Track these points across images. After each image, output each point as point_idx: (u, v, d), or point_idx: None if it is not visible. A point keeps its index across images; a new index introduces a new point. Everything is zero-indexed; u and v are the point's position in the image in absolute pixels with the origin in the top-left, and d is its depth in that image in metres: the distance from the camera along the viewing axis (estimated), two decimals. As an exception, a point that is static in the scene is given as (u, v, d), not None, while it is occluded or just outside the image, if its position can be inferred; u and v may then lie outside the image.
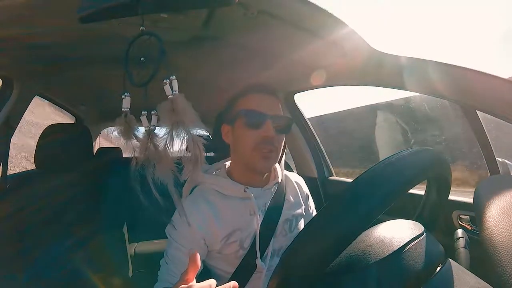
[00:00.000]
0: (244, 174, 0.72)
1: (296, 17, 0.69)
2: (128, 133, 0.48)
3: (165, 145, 0.46)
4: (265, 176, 0.75)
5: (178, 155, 0.49)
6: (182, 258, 0.65)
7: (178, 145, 0.48)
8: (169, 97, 0.45)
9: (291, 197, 0.78)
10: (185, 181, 0.53)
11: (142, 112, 0.48)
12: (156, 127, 0.48)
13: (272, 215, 0.71)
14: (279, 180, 0.77)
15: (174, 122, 0.45)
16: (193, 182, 0.73)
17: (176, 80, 0.46)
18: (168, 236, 0.70)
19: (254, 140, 0.67)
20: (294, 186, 0.83)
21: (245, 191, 0.70)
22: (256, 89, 0.72)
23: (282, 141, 0.72)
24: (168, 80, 0.46)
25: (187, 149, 0.47)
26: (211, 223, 0.68)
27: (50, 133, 1.00)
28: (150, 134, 0.47)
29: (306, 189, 0.86)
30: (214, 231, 0.68)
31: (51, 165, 0.97)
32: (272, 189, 0.75)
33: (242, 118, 0.69)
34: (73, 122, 1.93)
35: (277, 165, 0.79)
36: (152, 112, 0.47)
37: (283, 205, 0.74)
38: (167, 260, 0.67)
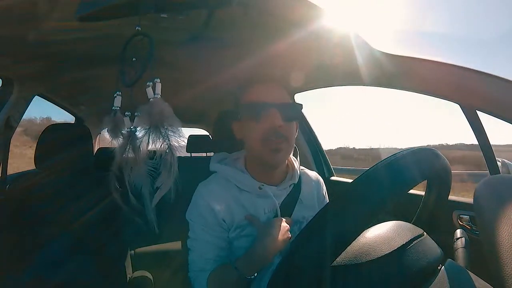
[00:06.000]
0: (259, 169, 0.71)
1: (296, 17, 0.69)
2: (115, 132, 0.48)
3: (139, 148, 0.46)
4: (281, 171, 0.73)
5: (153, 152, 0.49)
6: (210, 240, 0.67)
7: (154, 148, 0.47)
8: (150, 100, 0.45)
9: (305, 199, 0.75)
10: (157, 188, 0.52)
11: (126, 113, 0.48)
12: (138, 130, 0.47)
13: (282, 215, 0.69)
14: (296, 181, 0.74)
15: (152, 125, 0.44)
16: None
17: (160, 84, 0.46)
18: (189, 220, 0.70)
19: (262, 132, 0.65)
20: (312, 186, 0.79)
21: (260, 188, 0.69)
22: (258, 79, 0.70)
23: (293, 130, 0.69)
24: (151, 83, 0.45)
25: (161, 156, 0.46)
26: (229, 205, 0.68)
27: (50, 133, 1.00)
28: (130, 135, 0.47)
29: (324, 191, 0.83)
30: (232, 213, 0.68)
31: (51, 165, 0.97)
32: (287, 190, 0.73)
33: (247, 112, 0.68)
34: (73, 122, 1.93)
35: (295, 163, 0.77)
36: (136, 114, 0.47)
37: (294, 207, 0.72)
38: (198, 245, 0.68)
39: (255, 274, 0.60)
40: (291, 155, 0.77)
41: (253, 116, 0.66)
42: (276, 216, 0.69)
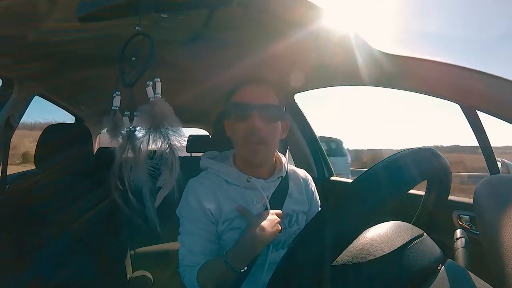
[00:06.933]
0: (246, 165, 0.74)
1: (296, 17, 0.69)
2: (115, 132, 0.48)
3: (140, 148, 0.46)
4: (268, 167, 0.75)
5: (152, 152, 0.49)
6: (199, 233, 0.68)
7: (155, 148, 0.47)
8: (150, 99, 0.45)
9: (295, 193, 0.78)
10: (159, 188, 0.52)
11: (125, 113, 0.48)
12: (137, 129, 0.48)
13: (272, 208, 0.71)
14: (283, 174, 0.77)
15: (152, 125, 0.45)
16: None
17: (160, 83, 0.46)
18: (179, 215, 0.72)
19: (243, 132, 0.68)
20: (301, 182, 0.82)
21: (248, 181, 0.71)
22: (246, 81, 0.73)
23: (274, 131, 0.71)
24: (151, 82, 0.45)
25: (161, 155, 0.47)
26: (218, 198, 0.70)
27: (50, 133, 1.00)
28: (129, 135, 0.47)
29: (312, 187, 0.85)
30: (221, 206, 0.70)
31: (51, 165, 0.97)
32: (275, 182, 0.75)
33: (232, 111, 0.71)
34: (73, 122, 1.93)
35: (283, 158, 0.80)
36: (135, 114, 0.47)
37: (284, 201, 0.74)
38: (186, 239, 0.70)
39: (245, 268, 0.62)
40: (279, 153, 0.80)
41: (236, 116, 0.70)
42: (266, 209, 0.70)
